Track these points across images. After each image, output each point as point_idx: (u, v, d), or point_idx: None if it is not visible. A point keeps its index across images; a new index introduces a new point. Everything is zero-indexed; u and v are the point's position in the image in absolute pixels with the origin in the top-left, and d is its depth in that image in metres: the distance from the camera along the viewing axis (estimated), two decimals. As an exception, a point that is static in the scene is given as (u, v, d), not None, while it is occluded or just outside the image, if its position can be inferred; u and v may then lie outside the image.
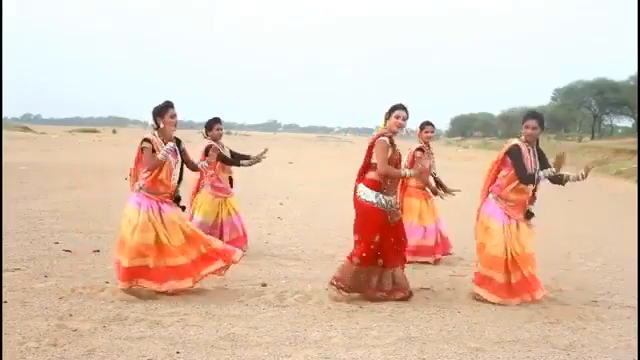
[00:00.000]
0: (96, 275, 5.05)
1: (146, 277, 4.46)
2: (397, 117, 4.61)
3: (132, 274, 4.44)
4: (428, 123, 6.28)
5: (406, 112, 4.65)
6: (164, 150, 4.50)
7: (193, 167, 5.03)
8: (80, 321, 3.88)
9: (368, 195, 4.56)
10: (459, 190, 6.16)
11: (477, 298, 4.76)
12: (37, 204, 9.21)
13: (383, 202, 4.56)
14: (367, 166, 4.65)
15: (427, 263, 6.05)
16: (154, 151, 4.53)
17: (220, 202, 6.09)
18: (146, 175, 4.56)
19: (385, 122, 4.66)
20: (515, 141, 4.82)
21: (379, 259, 4.63)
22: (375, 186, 4.57)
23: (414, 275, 5.19)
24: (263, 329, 3.88)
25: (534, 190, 4.83)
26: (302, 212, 9.75)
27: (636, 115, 47.01)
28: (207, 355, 3.43)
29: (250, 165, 6.19)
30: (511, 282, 4.70)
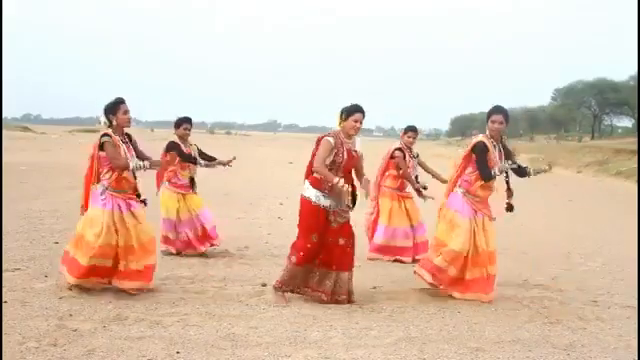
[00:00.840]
0: (96, 275, 5.04)
1: (100, 275, 4.49)
2: (356, 121, 4.48)
3: (89, 272, 4.43)
4: (411, 129, 6.38)
5: (363, 115, 4.51)
6: (136, 163, 4.47)
7: (143, 156, 4.80)
8: (80, 321, 3.88)
9: (310, 192, 4.48)
10: (432, 198, 6.13)
11: (437, 290, 4.77)
12: (37, 204, 9.21)
13: (322, 201, 4.45)
14: (311, 166, 4.56)
15: (401, 262, 6.10)
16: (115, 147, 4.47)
17: (179, 198, 6.04)
18: (109, 175, 4.51)
19: (340, 123, 4.53)
20: (480, 137, 4.81)
21: (316, 259, 4.53)
22: (317, 184, 4.48)
23: (413, 275, 5.18)
24: (263, 329, 3.88)
25: (507, 182, 4.87)
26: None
27: (636, 115, 47.01)
28: (207, 355, 3.43)
29: (208, 167, 6.27)
30: (465, 278, 4.74)
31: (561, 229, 9.01)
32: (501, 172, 4.74)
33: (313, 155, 4.55)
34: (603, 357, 3.66)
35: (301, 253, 4.47)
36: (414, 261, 6.04)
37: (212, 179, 10.25)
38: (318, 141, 4.54)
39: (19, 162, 17.08)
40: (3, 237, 6.23)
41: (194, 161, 6.10)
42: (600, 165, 25.55)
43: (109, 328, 3.78)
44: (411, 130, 6.37)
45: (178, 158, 5.79)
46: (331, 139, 4.46)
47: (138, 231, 4.54)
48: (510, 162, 4.78)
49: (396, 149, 6.26)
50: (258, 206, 10.07)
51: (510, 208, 4.88)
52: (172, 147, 5.90)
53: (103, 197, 4.51)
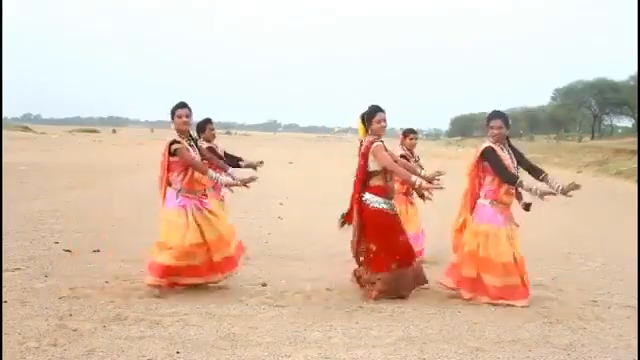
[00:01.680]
0: (96, 275, 5.05)
1: (187, 274, 4.60)
2: (379, 121, 4.61)
3: (175, 271, 4.52)
4: (412, 131, 6.36)
5: (384, 113, 4.65)
6: (218, 177, 4.64)
7: (203, 171, 4.83)
8: (80, 321, 3.88)
9: (378, 202, 4.58)
10: (430, 198, 6.05)
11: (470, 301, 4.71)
12: (37, 204, 9.22)
13: (390, 206, 4.62)
14: (366, 174, 4.62)
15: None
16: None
17: (219, 204, 5.98)
18: (181, 177, 4.61)
19: (368, 130, 4.60)
20: (487, 143, 4.75)
21: (413, 259, 4.71)
22: (382, 192, 4.59)
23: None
24: (263, 329, 3.88)
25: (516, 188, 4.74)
26: (302, 212, 9.75)
27: (636, 115, 47.01)
28: (207, 355, 3.43)
29: (242, 167, 6.16)
30: (506, 284, 4.67)
31: (561, 229, 9.01)
32: (527, 188, 4.54)
33: (362, 166, 4.63)
34: (603, 357, 3.66)
35: (397, 257, 4.60)
36: None
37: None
38: (365, 152, 4.58)
39: (19, 162, 17.09)
40: (3, 237, 6.23)
41: (225, 169, 6.01)
42: (600, 165, 25.56)
43: (109, 328, 3.78)
44: (411, 132, 6.34)
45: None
46: (380, 142, 4.57)
47: (222, 221, 4.76)
48: (540, 191, 4.51)
49: (401, 156, 6.01)
50: (258, 206, 10.06)
51: (528, 207, 4.78)
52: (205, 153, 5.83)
53: (178, 200, 4.61)
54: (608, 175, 22.61)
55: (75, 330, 3.71)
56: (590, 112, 55.31)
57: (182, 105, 4.72)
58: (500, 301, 4.62)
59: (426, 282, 4.80)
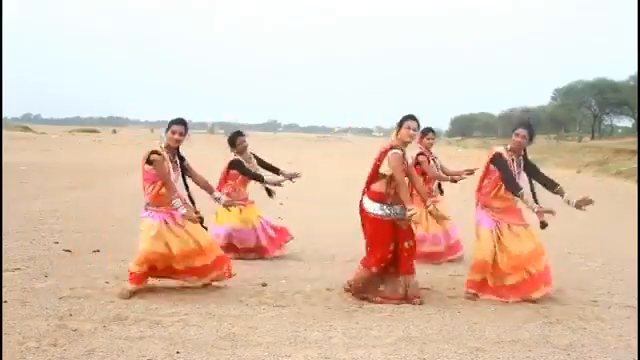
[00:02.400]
0: (96, 275, 5.05)
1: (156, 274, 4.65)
2: (408, 128, 4.58)
3: (144, 277, 4.57)
4: (430, 130, 6.30)
5: (417, 122, 4.62)
6: (179, 207, 4.43)
7: (202, 183, 4.84)
8: (80, 321, 3.88)
9: (374, 208, 4.58)
10: (472, 171, 6.12)
11: (470, 297, 4.80)
12: (37, 204, 9.21)
13: (389, 212, 4.57)
14: (374, 176, 4.63)
15: (431, 264, 6.05)
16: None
17: (240, 208, 5.98)
18: (150, 190, 4.56)
19: (397, 133, 4.62)
20: (499, 149, 4.82)
21: (392, 267, 4.65)
22: (379, 198, 4.58)
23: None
24: (263, 329, 3.88)
25: (533, 195, 4.73)
26: (302, 212, 9.75)
27: (636, 115, 47.01)
28: (207, 355, 3.43)
29: (274, 184, 6.07)
30: (505, 284, 4.76)
31: (561, 229, 9.00)
32: (525, 200, 4.58)
33: (375, 167, 4.61)
34: (603, 357, 3.66)
35: (382, 264, 4.59)
36: (449, 261, 6.12)
37: (211, 179, 10.22)
38: (382, 155, 4.57)
39: (19, 162, 17.09)
40: (3, 237, 6.23)
41: (260, 179, 5.98)
42: (600, 165, 25.54)
43: (109, 328, 3.78)
44: (430, 131, 6.26)
45: (240, 176, 5.89)
46: (399, 151, 4.54)
47: (196, 234, 4.62)
48: (536, 206, 4.57)
49: (419, 154, 6.10)
50: (258, 206, 10.05)
51: (544, 226, 4.78)
52: (237, 165, 5.93)
53: (147, 212, 4.57)
54: (608, 175, 22.59)
55: (75, 330, 3.71)
56: (590, 112, 55.30)
57: (180, 122, 4.60)
58: (499, 299, 4.74)
59: (412, 298, 4.63)
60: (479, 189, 4.91)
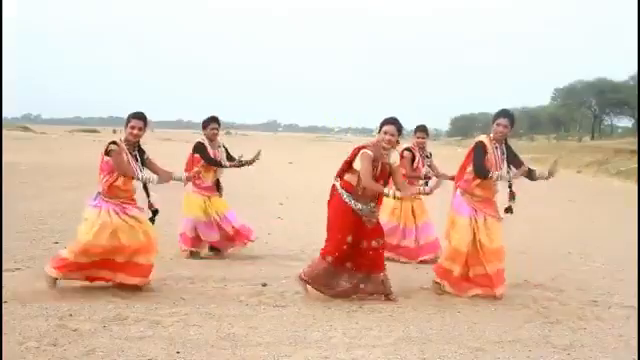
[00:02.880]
0: (96, 275, 5.03)
1: (86, 270, 4.53)
2: (385, 132, 4.49)
3: (76, 267, 4.46)
4: (420, 129, 6.30)
5: (395, 127, 4.48)
6: (144, 177, 4.52)
7: (165, 175, 4.76)
8: (80, 321, 3.88)
9: (349, 197, 4.53)
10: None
11: (437, 291, 4.85)
12: (37, 204, 9.21)
13: (354, 204, 4.51)
14: (346, 168, 4.60)
15: (408, 263, 6.08)
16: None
17: (205, 199, 5.99)
18: (105, 180, 4.52)
19: (377, 134, 4.57)
20: (481, 137, 4.86)
21: (348, 262, 4.60)
22: (350, 189, 4.54)
23: (414, 275, 5.19)
24: (263, 329, 3.88)
25: (510, 187, 4.88)
26: (302, 212, 9.74)
27: (636, 115, 46.97)
28: (207, 355, 3.43)
29: (234, 167, 6.11)
30: (469, 275, 4.82)
31: (561, 229, 9.01)
32: (498, 178, 4.74)
33: (346, 162, 4.59)
34: (603, 357, 3.66)
35: (336, 254, 4.53)
36: (421, 262, 6.05)
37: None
38: (356, 150, 4.55)
39: (19, 162, 17.08)
40: (3, 237, 6.22)
41: (219, 164, 6.03)
42: (600, 165, 25.51)
43: (109, 328, 3.78)
44: (419, 130, 6.28)
45: (202, 160, 5.84)
46: (370, 152, 4.48)
47: (145, 228, 4.58)
48: (512, 173, 4.77)
49: (405, 149, 6.12)
50: (258, 206, 10.06)
51: (509, 210, 4.89)
52: (198, 149, 5.93)
53: (96, 201, 4.54)
54: (608, 175, 22.58)
55: (75, 330, 3.71)
56: (590, 112, 55.25)
57: (138, 116, 4.58)
58: (440, 280, 4.85)
59: (379, 293, 4.64)
60: (459, 176, 4.93)
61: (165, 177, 4.68)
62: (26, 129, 53.79)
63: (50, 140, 38.93)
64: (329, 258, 4.54)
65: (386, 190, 4.46)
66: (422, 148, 6.27)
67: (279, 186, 13.93)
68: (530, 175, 4.87)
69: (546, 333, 4.04)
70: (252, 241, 6.16)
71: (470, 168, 4.84)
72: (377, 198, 4.62)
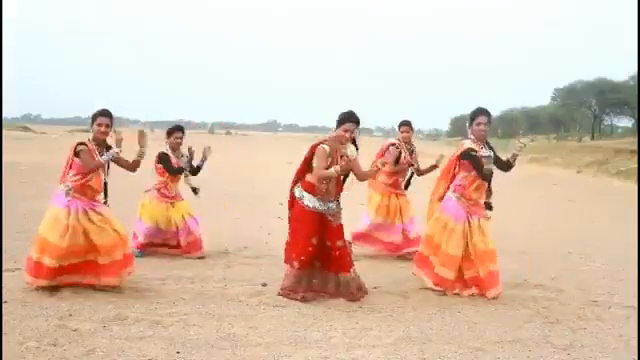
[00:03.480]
0: (96, 275, 5.03)
1: (73, 273, 4.49)
2: (345, 130, 4.44)
3: (58, 272, 4.42)
4: (404, 123, 6.34)
5: (355, 124, 4.44)
6: (107, 155, 4.55)
7: (133, 167, 4.90)
8: (80, 321, 3.88)
9: (304, 198, 4.53)
10: (436, 166, 6.16)
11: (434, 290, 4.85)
12: (37, 204, 9.19)
13: (318, 205, 4.50)
14: (304, 169, 4.59)
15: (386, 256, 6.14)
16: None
17: (168, 207, 5.93)
18: (76, 179, 4.53)
19: (336, 129, 4.50)
20: (468, 144, 4.84)
21: (316, 261, 4.60)
22: (311, 189, 4.53)
23: (413, 275, 5.18)
24: (263, 329, 3.88)
25: (488, 184, 4.89)
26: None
27: (636, 115, 46.97)
28: (207, 355, 3.43)
29: (195, 173, 6.10)
30: (464, 277, 4.83)
31: (561, 229, 9.01)
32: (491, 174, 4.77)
33: (305, 160, 4.59)
34: (603, 357, 3.66)
35: (302, 257, 4.52)
36: (407, 255, 6.06)
37: (212, 179, 10.24)
38: (313, 148, 4.54)
39: (19, 162, 17.08)
40: (3, 237, 6.22)
41: (181, 170, 5.99)
42: (600, 165, 25.51)
43: (109, 328, 3.78)
44: (403, 124, 6.34)
45: (167, 172, 5.84)
46: (326, 147, 4.47)
47: (114, 226, 4.57)
48: (490, 167, 4.76)
49: (390, 144, 6.13)
50: (258, 206, 10.06)
51: (489, 206, 4.91)
52: (162, 159, 5.90)
53: (67, 199, 4.52)
54: (608, 175, 22.58)
55: (75, 330, 3.71)
56: (590, 112, 55.24)
57: (104, 113, 4.56)
58: (437, 287, 4.83)
59: (355, 293, 4.62)
60: (451, 182, 4.91)
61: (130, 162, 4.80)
62: (26, 129, 53.73)
63: (50, 140, 38.92)
64: (296, 263, 4.54)
65: (331, 170, 4.39)
66: (407, 142, 6.33)
67: (279, 186, 13.85)
68: (505, 166, 4.94)
69: (546, 333, 4.04)
70: (196, 256, 5.91)
71: (464, 174, 4.84)
72: (338, 195, 4.61)
